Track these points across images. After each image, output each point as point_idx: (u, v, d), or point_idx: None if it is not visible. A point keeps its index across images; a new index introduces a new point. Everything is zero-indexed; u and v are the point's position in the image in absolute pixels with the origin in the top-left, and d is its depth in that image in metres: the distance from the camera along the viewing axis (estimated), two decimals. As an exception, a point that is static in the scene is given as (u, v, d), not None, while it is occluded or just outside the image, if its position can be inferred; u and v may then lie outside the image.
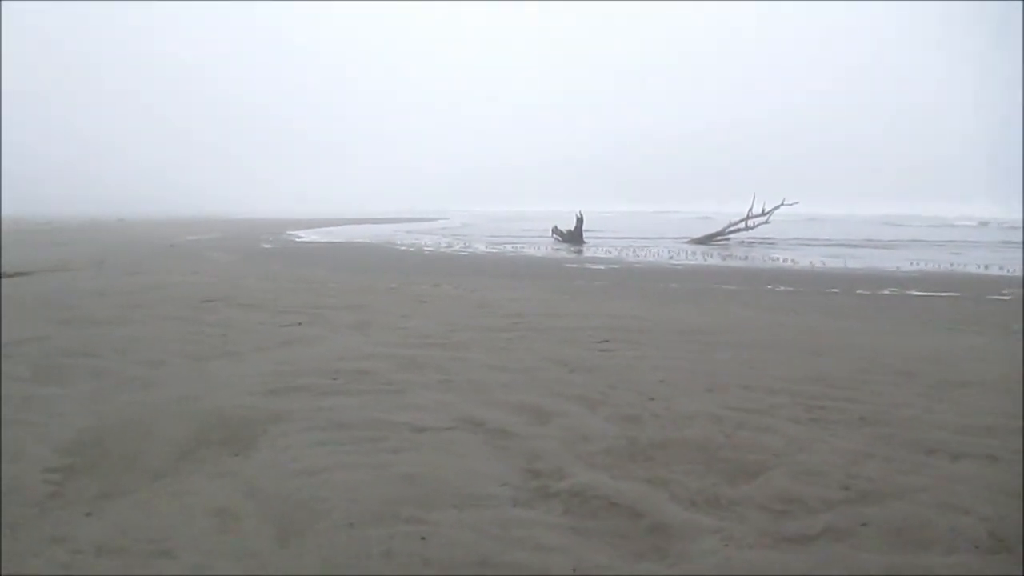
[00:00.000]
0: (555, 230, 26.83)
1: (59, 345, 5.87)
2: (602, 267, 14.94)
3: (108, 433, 3.60)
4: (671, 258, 18.07)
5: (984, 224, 47.48)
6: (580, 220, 25.61)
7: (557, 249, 22.13)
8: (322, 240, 28.30)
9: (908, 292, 10.64)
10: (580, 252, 20.32)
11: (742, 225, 26.42)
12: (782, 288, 10.82)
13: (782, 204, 26.30)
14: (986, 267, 15.63)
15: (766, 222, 26.48)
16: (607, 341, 6.05)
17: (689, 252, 20.35)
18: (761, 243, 25.10)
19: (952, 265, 16.20)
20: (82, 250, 20.00)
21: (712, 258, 18.14)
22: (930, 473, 2.98)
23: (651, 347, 5.80)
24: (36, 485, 2.94)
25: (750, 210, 26.37)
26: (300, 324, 7.04)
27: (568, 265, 15.47)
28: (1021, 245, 22.48)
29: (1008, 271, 14.63)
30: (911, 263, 16.58)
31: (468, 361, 5.25)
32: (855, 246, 24.73)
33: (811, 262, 16.78)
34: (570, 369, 4.99)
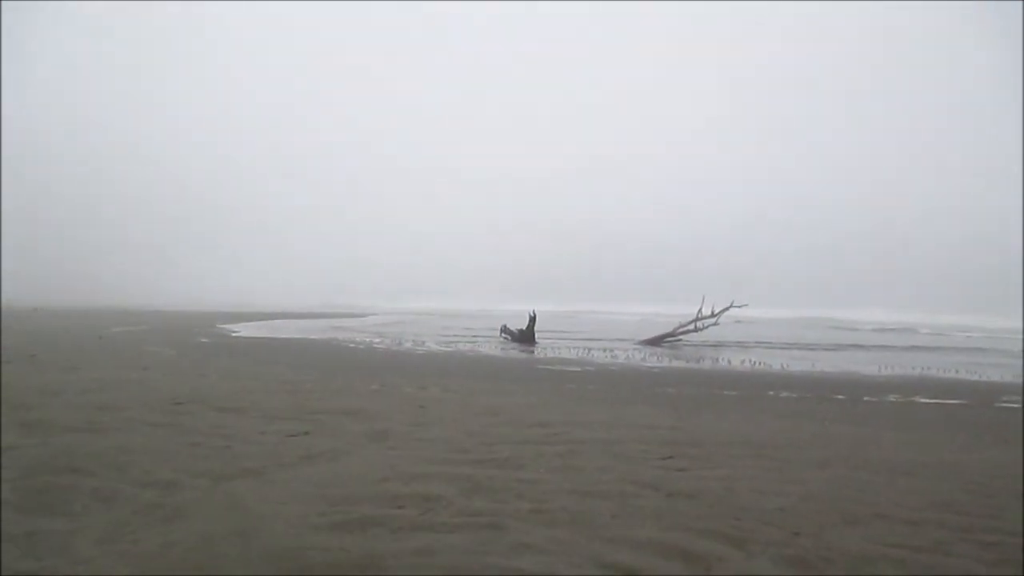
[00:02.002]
0: (504, 329, 26.25)
1: (37, 459, 5.00)
2: (578, 369, 14.44)
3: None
4: (643, 360, 17.67)
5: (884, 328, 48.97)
6: (533, 319, 25.10)
7: (513, 349, 21.51)
8: (261, 335, 27.05)
9: (914, 399, 10.41)
10: (539, 353, 19.71)
11: (691, 327, 26.47)
12: (786, 394, 10.50)
13: (731, 306, 26.55)
14: (955, 371, 15.73)
15: (715, 323, 26.62)
16: (671, 457, 5.53)
17: (656, 354, 20.02)
18: (714, 345, 24.96)
19: (923, 369, 16.25)
20: (7, 341, 18.50)
21: (683, 360, 17.81)
22: None
23: (723, 465, 5.30)
24: None
25: (699, 311, 26.49)
26: (307, 434, 6.26)
27: (541, 367, 14.89)
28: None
29: (982, 376, 14.70)
30: (880, 367, 16.58)
31: (541, 484, 4.61)
32: (808, 348, 24.87)
33: (783, 365, 16.64)
34: (666, 494, 4.43)
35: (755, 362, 17.53)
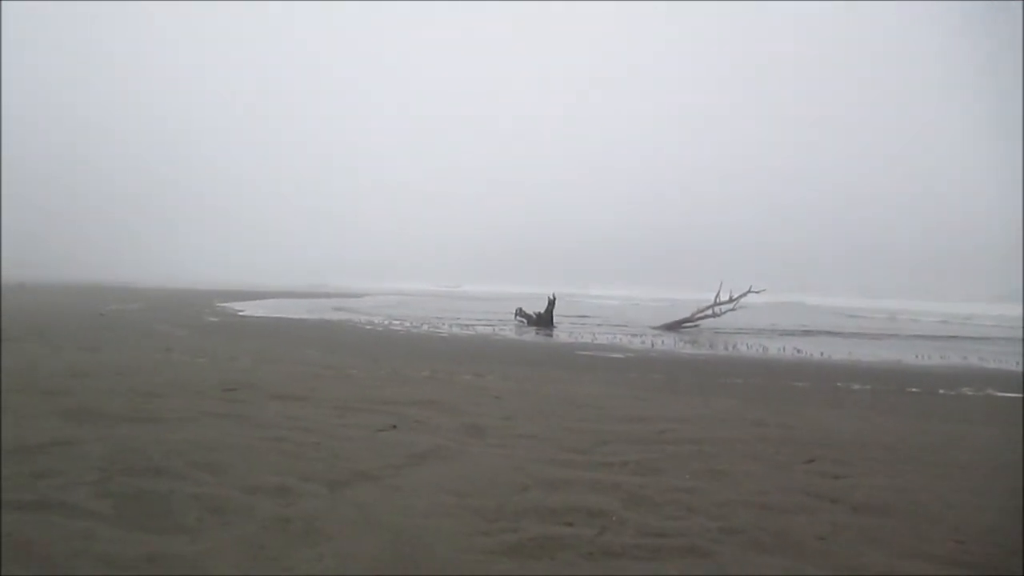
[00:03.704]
0: (520, 312, 25.56)
1: (106, 457, 4.41)
2: (619, 356, 13.84)
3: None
4: (676, 347, 17.04)
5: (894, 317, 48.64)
6: (552, 303, 24.44)
7: (531, 332, 20.89)
8: (269, 315, 26.29)
9: (989, 392, 9.86)
10: (564, 338, 19.09)
11: (710, 312, 25.90)
12: (857, 386, 9.94)
13: (749, 291, 25.98)
14: (994, 361, 15.21)
15: (733, 309, 26.04)
16: (813, 461, 4.94)
17: (683, 340, 19.41)
18: (733, 332, 24.29)
19: (963, 358, 15.74)
20: (6, 318, 17.77)
21: (723, 348, 17.08)
22: None
23: (875, 471, 4.81)
24: None
25: (716, 297, 25.91)
26: (395, 428, 5.66)
27: (579, 353, 14.29)
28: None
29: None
30: (918, 356, 16.05)
31: (702, 494, 4.10)
32: (827, 334, 24.31)
33: (822, 353, 16.07)
34: (850, 507, 3.99)
35: (785, 349, 16.95)
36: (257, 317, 24.86)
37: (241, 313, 27.32)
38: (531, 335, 19.72)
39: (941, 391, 9.62)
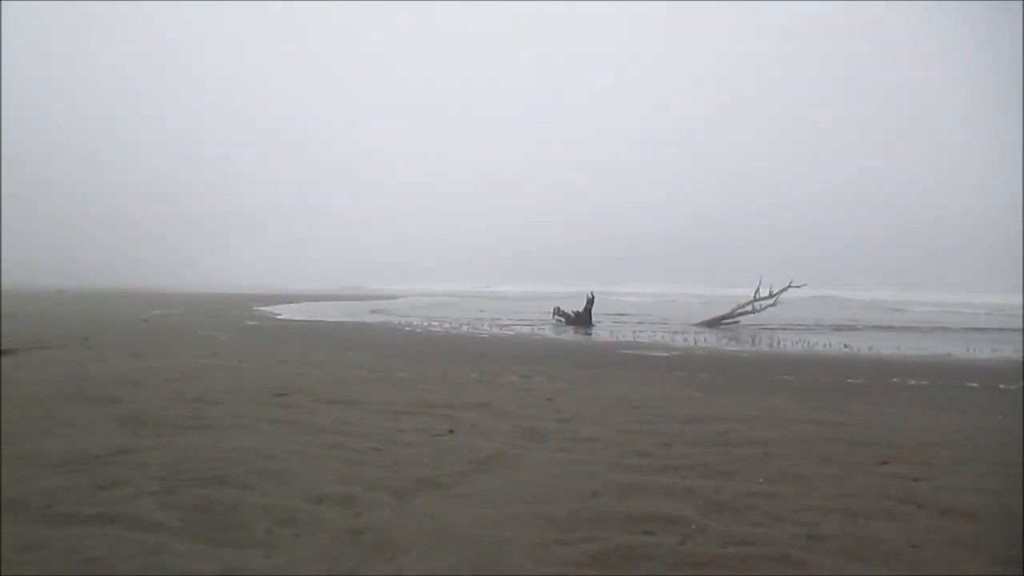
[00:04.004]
0: (557, 311, 25.38)
1: (167, 465, 4.43)
2: (664, 354, 13.61)
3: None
4: (720, 344, 16.75)
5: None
6: (591, 301, 24.24)
7: (570, 332, 20.72)
8: (307, 318, 26.43)
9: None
10: (604, 336, 18.90)
11: (749, 308, 25.53)
12: (913, 382, 9.66)
13: (789, 286, 25.57)
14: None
15: (773, 304, 25.64)
16: (886, 463, 4.78)
17: (727, 337, 19.09)
18: (774, 328, 23.86)
19: (1015, 351, 15.26)
20: (48, 325, 18.10)
21: (768, 344, 16.78)
22: None
23: (954, 471, 4.62)
24: None
25: (756, 292, 25.54)
26: (451, 432, 5.57)
27: (623, 352, 14.08)
28: None
29: None
30: (967, 349, 15.60)
31: (781, 499, 3.98)
32: (874, 329, 23.70)
33: (870, 348, 15.68)
34: (938, 512, 3.82)
35: (830, 344, 16.58)
36: (295, 320, 25.00)
37: (279, 316, 27.50)
38: (570, 334, 19.56)
39: (1002, 386, 9.30)
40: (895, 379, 9.87)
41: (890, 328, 23.72)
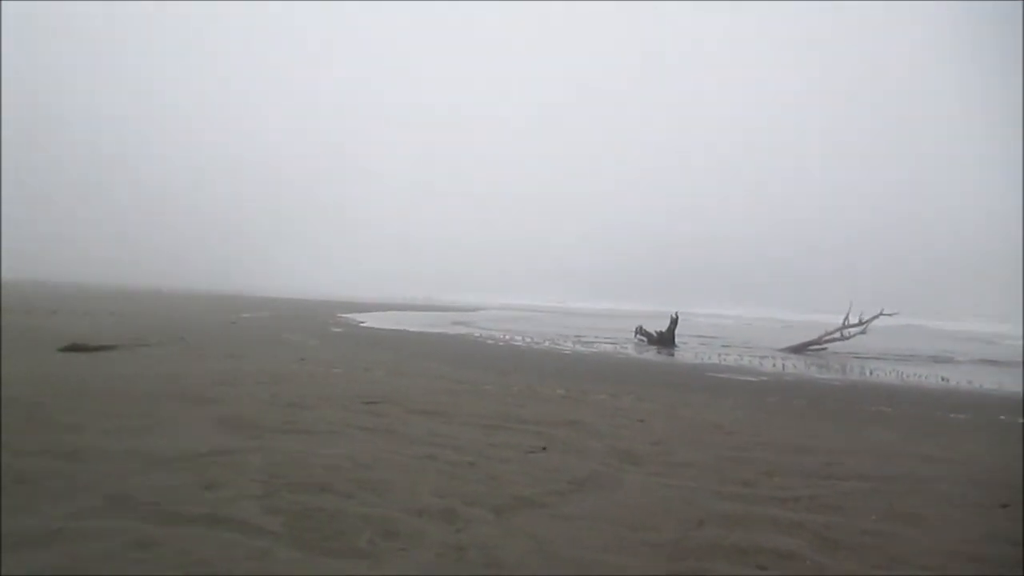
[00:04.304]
0: (640, 330, 25.02)
1: (267, 470, 4.52)
2: (753, 379, 13.25)
3: None
4: (809, 371, 16.23)
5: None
6: (675, 322, 23.79)
7: (653, 352, 20.41)
8: (391, 327, 26.81)
9: None
10: (688, 358, 18.51)
11: (838, 335, 24.70)
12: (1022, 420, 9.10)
13: (880, 314, 24.64)
14: None
15: (863, 332, 24.76)
16: (1007, 506, 4.48)
17: (815, 364, 18.48)
18: (863, 357, 22.89)
19: None
20: (146, 323, 18.86)
21: (858, 373, 16.18)
22: None
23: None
24: None
25: (846, 319, 24.69)
26: (544, 450, 5.51)
27: (710, 375, 13.75)
28: None
29: None
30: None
31: (899, 540, 3.75)
32: (971, 363, 22.55)
33: (969, 381, 14.93)
34: None
35: (926, 376, 15.81)
36: (379, 329, 25.38)
37: (363, 324, 27.97)
38: (652, 354, 19.26)
39: None
40: (1002, 416, 9.33)
41: (993, 362, 22.52)
